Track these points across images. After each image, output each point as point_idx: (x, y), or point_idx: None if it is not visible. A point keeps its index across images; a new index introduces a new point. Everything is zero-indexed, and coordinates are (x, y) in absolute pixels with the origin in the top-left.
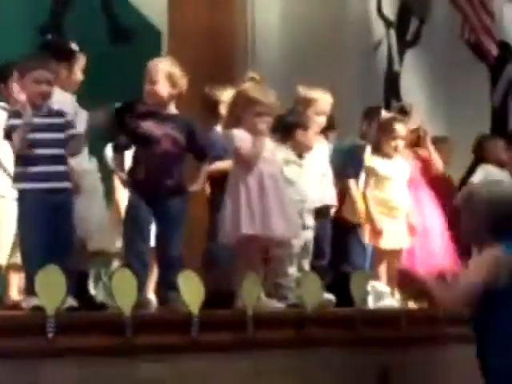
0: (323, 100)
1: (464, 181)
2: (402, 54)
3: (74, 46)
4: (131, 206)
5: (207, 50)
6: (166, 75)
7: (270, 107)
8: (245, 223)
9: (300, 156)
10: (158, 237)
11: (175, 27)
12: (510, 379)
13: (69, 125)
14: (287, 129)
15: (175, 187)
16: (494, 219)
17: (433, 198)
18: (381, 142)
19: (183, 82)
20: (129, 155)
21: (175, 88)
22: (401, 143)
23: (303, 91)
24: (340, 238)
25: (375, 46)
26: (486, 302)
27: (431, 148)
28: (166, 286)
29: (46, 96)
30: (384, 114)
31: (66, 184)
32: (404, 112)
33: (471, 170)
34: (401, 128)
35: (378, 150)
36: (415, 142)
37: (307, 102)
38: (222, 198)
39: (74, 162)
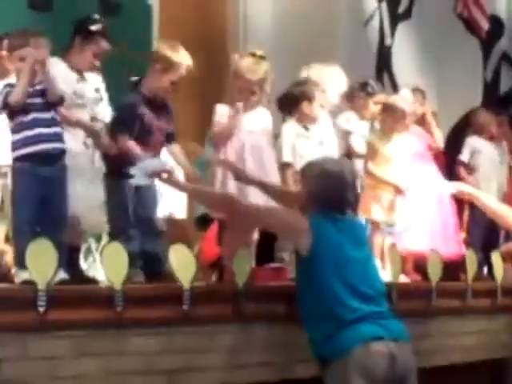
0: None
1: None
2: (393, 27)
3: (94, 28)
4: (119, 194)
5: (198, 23)
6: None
7: (253, 84)
8: None
9: (306, 128)
10: (142, 211)
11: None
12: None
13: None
14: (293, 101)
15: None
16: (320, 194)
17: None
18: (387, 127)
19: None
20: None
21: None
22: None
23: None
24: None
25: (367, 19)
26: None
27: (433, 124)
28: (153, 260)
29: (30, 73)
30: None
31: (61, 145)
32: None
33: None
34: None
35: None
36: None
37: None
38: None
39: (73, 138)
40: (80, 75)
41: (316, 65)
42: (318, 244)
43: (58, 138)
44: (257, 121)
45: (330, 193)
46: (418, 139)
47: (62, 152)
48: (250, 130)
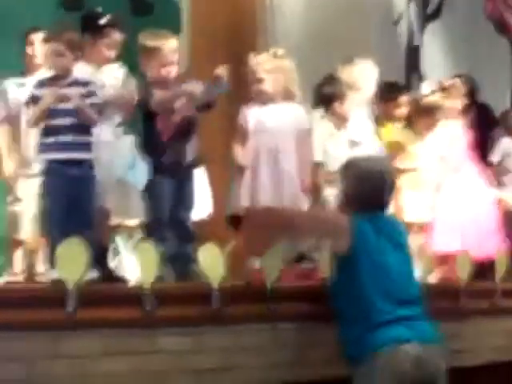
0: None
1: None
2: (422, 28)
3: (103, 21)
4: (154, 185)
5: (228, 24)
6: None
7: (257, 72)
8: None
9: (337, 128)
10: (175, 208)
11: (196, 2)
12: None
13: (89, 94)
14: (324, 101)
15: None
16: (359, 194)
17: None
18: (420, 126)
19: None
20: None
21: None
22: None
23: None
24: None
25: (396, 20)
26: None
27: None
28: (185, 259)
29: (56, 68)
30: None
31: (86, 155)
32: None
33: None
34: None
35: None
36: None
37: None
38: None
39: (102, 129)
40: (95, 68)
41: (347, 66)
42: (358, 245)
43: (86, 147)
44: (278, 117)
45: (370, 193)
46: (461, 136)
47: (89, 159)
48: (269, 127)
